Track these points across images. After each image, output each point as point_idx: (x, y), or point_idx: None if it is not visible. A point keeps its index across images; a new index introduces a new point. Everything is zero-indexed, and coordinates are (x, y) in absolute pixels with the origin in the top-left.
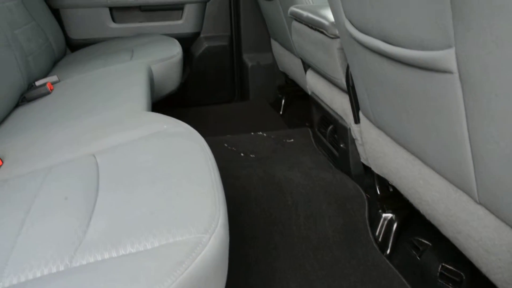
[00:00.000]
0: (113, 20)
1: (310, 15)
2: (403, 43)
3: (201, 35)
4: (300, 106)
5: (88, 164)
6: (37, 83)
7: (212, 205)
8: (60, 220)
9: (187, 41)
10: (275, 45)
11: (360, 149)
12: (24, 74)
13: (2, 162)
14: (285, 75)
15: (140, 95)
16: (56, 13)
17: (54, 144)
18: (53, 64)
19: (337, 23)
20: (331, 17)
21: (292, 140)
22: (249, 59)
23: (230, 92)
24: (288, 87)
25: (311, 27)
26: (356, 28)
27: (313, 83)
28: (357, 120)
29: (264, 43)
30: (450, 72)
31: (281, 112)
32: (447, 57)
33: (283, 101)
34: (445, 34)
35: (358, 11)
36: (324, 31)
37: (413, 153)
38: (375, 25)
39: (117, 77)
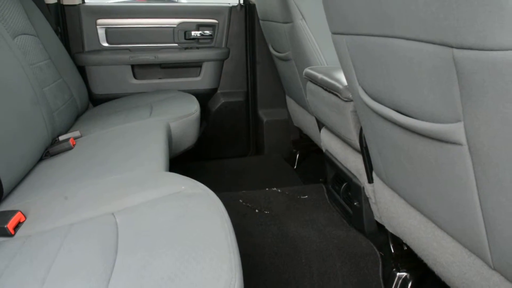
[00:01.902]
0: (134, 76)
1: (325, 78)
2: (414, 114)
3: (218, 91)
4: (314, 160)
5: (108, 223)
6: (61, 138)
7: (229, 271)
8: (79, 282)
9: (204, 97)
10: (290, 102)
11: (373, 207)
12: (49, 129)
13: (25, 217)
14: (299, 130)
15: (158, 155)
16: (81, 70)
17: (75, 201)
18: (76, 118)
19: (350, 88)
20: (344, 80)
21: (306, 196)
22: (264, 115)
23: (245, 146)
24: (302, 142)
25: (325, 89)
26: (369, 95)
27: (328, 141)
28: (370, 180)
29: (279, 99)
30: (460, 144)
31: (295, 167)
32: (456, 130)
33: (297, 155)
34: (454, 109)
35: (371, 80)
36: (338, 94)
37: (426, 216)
38: (387, 95)
39: (137, 135)
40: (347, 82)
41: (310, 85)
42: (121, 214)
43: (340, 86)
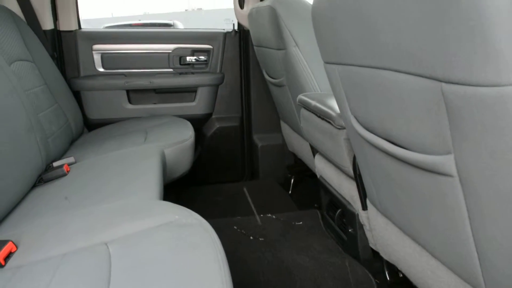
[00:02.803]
0: (129, 101)
1: (318, 105)
2: (406, 145)
3: (213, 116)
4: (309, 186)
5: (101, 253)
6: (55, 164)
7: None
8: None
9: (199, 122)
10: (285, 127)
11: (368, 234)
12: (43, 155)
13: (17, 247)
14: (294, 155)
15: (153, 183)
16: (76, 95)
17: (68, 230)
18: (71, 143)
19: (343, 116)
20: (338, 107)
21: (301, 222)
22: (259, 139)
23: (240, 171)
24: (297, 167)
25: (319, 116)
26: (361, 124)
27: (322, 168)
28: (364, 207)
29: (274, 124)
30: (451, 176)
31: (290, 192)
32: (446, 162)
33: (292, 180)
34: (444, 142)
35: (363, 109)
36: (331, 122)
37: (420, 244)
38: (379, 125)
39: (131, 162)
40: (340, 110)
41: (303, 111)
42: (114, 244)
43: (333, 114)
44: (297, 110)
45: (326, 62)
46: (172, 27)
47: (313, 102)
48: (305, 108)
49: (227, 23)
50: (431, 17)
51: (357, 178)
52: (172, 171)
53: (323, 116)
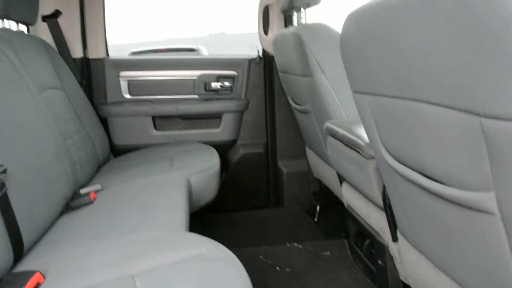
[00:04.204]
0: (155, 127)
1: (345, 133)
2: (441, 180)
3: (238, 142)
4: (335, 213)
5: (127, 287)
6: (82, 191)
7: None
8: None
9: (224, 148)
10: (310, 153)
11: (399, 267)
12: (71, 182)
13: (44, 278)
14: (320, 182)
15: (179, 214)
16: (103, 121)
17: (95, 262)
18: (97, 169)
19: (372, 146)
20: (366, 136)
21: (328, 252)
22: (284, 166)
23: (265, 198)
24: (323, 193)
25: (346, 145)
26: (392, 156)
27: (349, 196)
28: (395, 239)
29: (299, 151)
30: (491, 213)
31: (316, 219)
32: (486, 199)
33: (318, 208)
34: (483, 178)
35: (394, 141)
36: (360, 151)
37: (457, 282)
38: (412, 158)
39: (158, 191)
40: (369, 140)
41: (330, 139)
42: (141, 277)
43: (362, 143)
44: (323, 137)
45: (355, 92)
46: (196, 52)
47: (341, 130)
48: (332, 136)
49: (251, 49)
50: (469, 50)
51: (387, 208)
52: (198, 199)
53: (351, 145)
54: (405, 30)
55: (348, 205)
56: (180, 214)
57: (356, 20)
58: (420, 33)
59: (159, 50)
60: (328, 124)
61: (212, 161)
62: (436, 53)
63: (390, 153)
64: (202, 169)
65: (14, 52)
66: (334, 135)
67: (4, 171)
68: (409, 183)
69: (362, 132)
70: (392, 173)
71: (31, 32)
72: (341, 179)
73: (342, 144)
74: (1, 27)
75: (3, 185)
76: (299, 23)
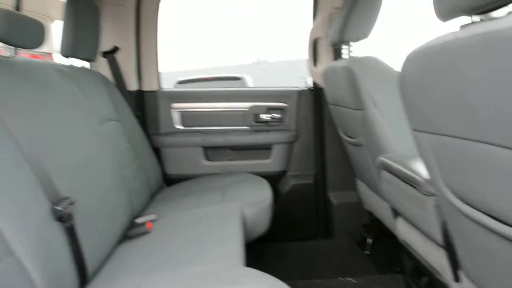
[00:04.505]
0: (206, 158)
1: (401, 169)
2: None
3: (288, 173)
4: (388, 246)
5: None
6: (138, 221)
7: None
8: None
9: (274, 179)
10: (361, 185)
11: None
12: (128, 212)
13: None
14: (370, 214)
15: (235, 247)
16: (156, 151)
17: None
18: (150, 198)
19: (433, 185)
20: (423, 171)
21: None
22: (334, 197)
23: (314, 229)
24: (374, 226)
25: (403, 180)
26: (456, 196)
27: (405, 231)
28: (457, 279)
29: (349, 182)
30: None
31: (367, 252)
32: None
33: (369, 240)
34: None
35: (459, 180)
36: (417, 187)
37: None
38: (479, 199)
39: (213, 223)
40: (430, 177)
41: (385, 173)
42: None
43: (420, 180)
44: (376, 171)
45: (415, 130)
46: (241, 81)
47: (396, 165)
48: (386, 170)
49: (300, 81)
50: None
51: (448, 247)
52: (251, 231)
53: (408, 180)
54: (470, 71)
55: (404, 240)
56: (236, 247)
57: (417, 58)
58: (488, 76)
59: (205, 79)
60: (382, 158)
61: (265, 193)
62: (506, 96)
63: (453, 192)
64: (255, 202)
65: (78, 87)
66: (389, 170)
67: (72, 203)
68: (475, 224)
69: (419, 167)
70: (455, 212)
71: (92, 67)
72: (396, 213)
73: (397, 179)
74: (67, 65)
75: (71, 216)
76: (349, 56)
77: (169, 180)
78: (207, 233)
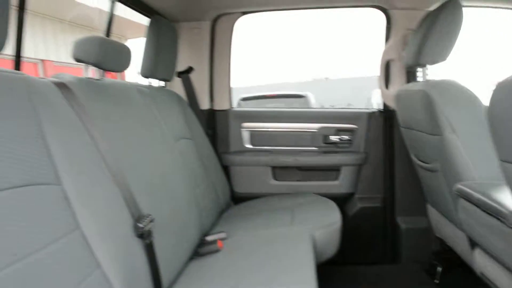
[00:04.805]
0: (274, 177)
1: (483, 198)
2: None
3: (355, 196)
4: (460, 277)
5: None
6: (208, 238)
7: None
8: None
9: (341, 201)
10: (432, 211)
11: None
12: (198, 229)
13: None
14: (441, 241)
15: (308, 270)
16: (225, 169)
17: None
18: (219, 215)
19: None
20: (508, 202)
21: None
22: (402, 222)
23: (381, 253)
24: (445, 254)
25: (484, 210)
26: None
27: (484, 264)
28: None
29: (419, 207)
30: None
31: (437, 281)
32: None
33: (440, 269)
34: None
35: None
36: (503, 220)
37: None
38: None
39: (283, 245)
40: None
41: (463, 202)
42: None
43: (506, 212)
44: (451, 198)
45: (504, 161)
46: (304, 99)
47: (476, 195)
48: (465, 199)
49: (367, 104)
50: None
51: None
52: (320, 255)
53: (491, 212)
54: None
55: (482, 273)
56: (309, 271)
57: (507, 88)
58: None
59: (268, 96)
60: (460, 186)
61: (334, 216)
62: None
63: None
64: (325, 224)
65: (156, 106)
66: (468, 199)
67: (152, 221)
68: None
69: (501, 197)
70: None
71: (167, 86)
72: (473, 244)
73: (478, 209)
74: (146, 85)
75: (151, 233)
76: (425, 79)
77: (236, 198)
78: (278, 255)
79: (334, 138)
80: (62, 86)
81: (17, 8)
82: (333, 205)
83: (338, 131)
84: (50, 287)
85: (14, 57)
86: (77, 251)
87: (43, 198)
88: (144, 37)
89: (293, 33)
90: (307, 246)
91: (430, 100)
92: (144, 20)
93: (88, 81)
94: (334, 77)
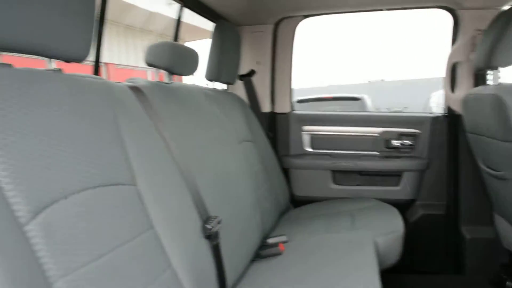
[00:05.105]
0: (334, 181)
1: None
2: None
3: (417, 202)
4: None
5: None
6: (269, 241)
7: None
8: None
9: (402, 207)
10: (500, 221)
11: None
12: (260, 231)
13: None
14: (510, 253)
15: (372, 276)
16: (285, 172)
17: None
18: (278, 218)
19: None
20: None
21: None
22: (467, 231)
23: (442, 263)
24: None
25: None
26: None
27: None
28: None
29: (485, 216)
30: None
31: None
32: None
33: (510, 284)
34: None
35: None
36: None
37: None
38: None
39: (345, 250)
40: None
41: None
42: None
43: None
44: None
45: None
46: (360, 101)
47: None
48: None
49: (425, 108)
50: None
51: None
52: (382, 262)
53: None
54: None
55: None
56: (373, 277)
57: None
58: None
59: (324, 99)
60: None
61: (397, 223)
62: None
63: None
64: (388, 231)
65: (220, 108)
66: None
67: (219, 222)
68: None
69: None
70: None
71: (229, 89)
72: None
73: None
74: (211, 88)
75: (218, 235)
76: (495, 82)
77: (295, 201)
78: (341, 259)
79: (396, 142)
80: (136, 90)
81: (97, 19)
82: (395, 212)
83: (400, 136)
84: (127, 284)
85: (93, 63)
86: (151, 249)
87: (121, 198)
88: (202, 39)
89: (349, 35)
90: (370, 251)
91: (502, 105)
92: (202, 23)
93: (159, 85)
94: (390, 79)
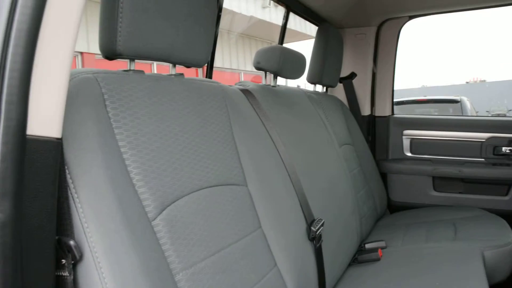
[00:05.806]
0: (434, 188)
1: None
2: None
3: None
4: None
5: None
6: (367, 246)
7: None
8: None
9: (510, 218)
10: None
11: None
12: (358, 235)
13: None
14: None
15: None
16: (382, 176)
17: None
18: (375, 223)
19: None
20: None
21: None
22: None
23: None
24: None
25: None
26: None
27: None
28: None
29: None
30: None
31: None
32: None
33: None
34: None
35: None
36: None
37: None
38: None
39: (449, 263)
40: None
41: None
42: None
43: None
44: None
45: None
46: (458, 104)
47: None
48: None
49: None
50: None
51: None
52: (489, 277)
53: None
54: None
55: None
56: None
57: None
58: None
59: (420, 101)
60: None
61: (506, 235)
62: None
63: None
64: (496, 245)
65: (322, 111)
66: None
67: (323, 225)
68: None
69: None
70: None
71: (328, 92)
72: None
73: None
74: (314, 91)
75: (321, 237)
76: None
77: (392, 206)
78: (444, 270)
79: (506, 149)
80: (247, 92)
81: None
82: (504, 223)
83: (511, 142)
84: (238, 281)
85: (207, 68)
86: (259, 248)
87: (234, 198)
88: (293, 41)
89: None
90: (478, 265)
91: None
92: (292, 25)
93: (267, 88)
94: (491, 79)
